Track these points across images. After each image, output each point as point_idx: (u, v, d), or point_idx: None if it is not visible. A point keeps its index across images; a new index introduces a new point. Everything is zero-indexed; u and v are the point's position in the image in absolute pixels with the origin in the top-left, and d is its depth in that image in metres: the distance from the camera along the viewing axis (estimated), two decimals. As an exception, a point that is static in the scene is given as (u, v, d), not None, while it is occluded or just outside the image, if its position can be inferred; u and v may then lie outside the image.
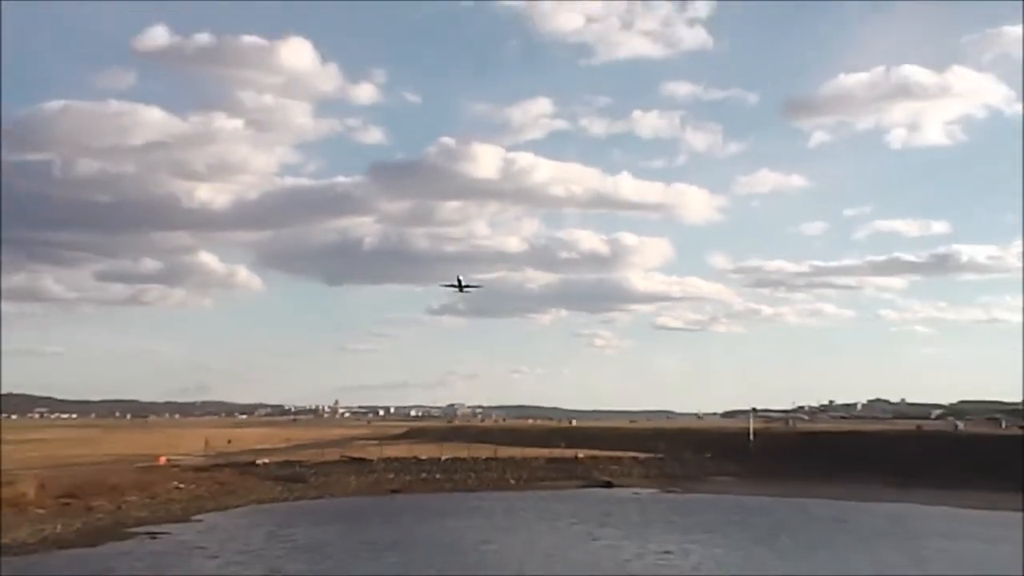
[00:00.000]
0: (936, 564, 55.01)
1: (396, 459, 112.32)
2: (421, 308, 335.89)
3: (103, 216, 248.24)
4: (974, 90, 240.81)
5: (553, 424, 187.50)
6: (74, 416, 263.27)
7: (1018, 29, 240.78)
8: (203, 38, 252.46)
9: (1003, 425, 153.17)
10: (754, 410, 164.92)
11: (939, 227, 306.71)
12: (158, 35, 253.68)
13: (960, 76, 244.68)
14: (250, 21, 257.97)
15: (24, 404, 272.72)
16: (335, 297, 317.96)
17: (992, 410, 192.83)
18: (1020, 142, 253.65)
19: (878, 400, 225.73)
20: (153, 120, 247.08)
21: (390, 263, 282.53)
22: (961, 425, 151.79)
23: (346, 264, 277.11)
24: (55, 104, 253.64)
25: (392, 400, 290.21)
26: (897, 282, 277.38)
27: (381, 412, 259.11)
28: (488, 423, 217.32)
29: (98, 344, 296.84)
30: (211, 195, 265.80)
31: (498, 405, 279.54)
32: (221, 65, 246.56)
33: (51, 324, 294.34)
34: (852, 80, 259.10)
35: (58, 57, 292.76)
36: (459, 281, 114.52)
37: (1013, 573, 52.49)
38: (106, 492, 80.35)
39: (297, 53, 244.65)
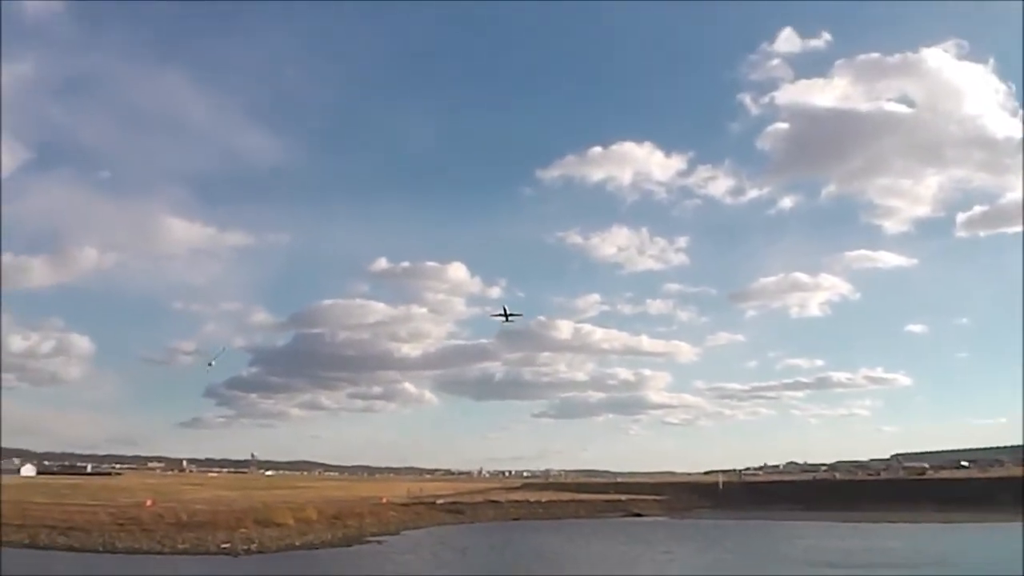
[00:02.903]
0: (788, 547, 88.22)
1: (516, 500, 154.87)
2: (527, 413, 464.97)
3: (352, 363, 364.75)
4: (832, 286, 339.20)
5: (606, 479, 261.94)
6: (335, 474, 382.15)
7: (867, 254, 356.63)
8: (405, 265, 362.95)
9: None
10: (721, 471, 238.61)
11: (819, 362, 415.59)
12: (380, 263, 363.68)
13: (825, 279, 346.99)
14: (431, 252, 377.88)
15: (308, 467, 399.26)
16: (480, 407, 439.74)
17: (855, 466, 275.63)
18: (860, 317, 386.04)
19: (791, 462, 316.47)
20: (378, 310, 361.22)
21: (511, 388, 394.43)
22: (838, 475, 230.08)
23: (486, 388, 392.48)
24: (327, 301, 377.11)
25: (513, 466, 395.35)
26: (799, 394, 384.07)
27: (507, 474, 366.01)
28: (569, 480, 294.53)
29: (349, 433, 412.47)
30: (409, 350, 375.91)
31: (574, 469, 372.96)
32: (415, 278, 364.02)
33: (324, 422, 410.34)
34: (766, 281, 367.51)
35: (329, 274, 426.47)
36: (504, 311, 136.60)
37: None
38: (354, 516, 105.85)
39: (456, 271, 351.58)
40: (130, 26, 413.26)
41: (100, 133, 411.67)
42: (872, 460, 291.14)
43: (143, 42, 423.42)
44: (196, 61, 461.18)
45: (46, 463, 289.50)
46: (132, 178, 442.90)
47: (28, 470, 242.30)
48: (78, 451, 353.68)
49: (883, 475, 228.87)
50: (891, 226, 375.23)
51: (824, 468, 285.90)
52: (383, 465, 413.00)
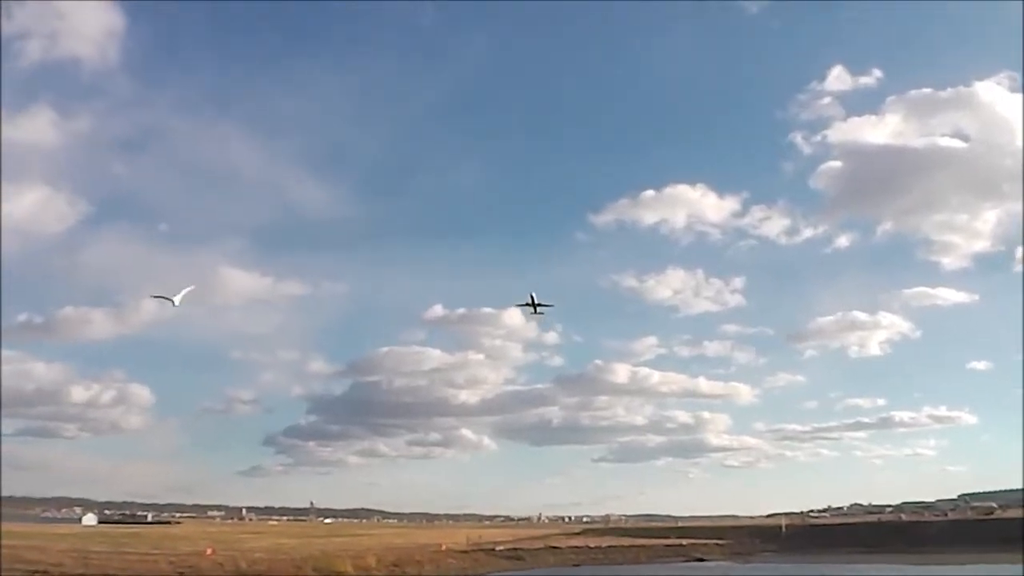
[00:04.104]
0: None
1: (576, 546, 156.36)
2: (586, 458, 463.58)
3: (409, 410, 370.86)
4: (892, 324, 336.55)
5: (667, 524, 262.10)
6: (394, 521, 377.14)
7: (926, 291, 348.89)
8: (461, 311, 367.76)
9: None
10: (783, 515, 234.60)
11: (881, 402, 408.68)
12: (436, 310, 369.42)
13: (884, 317, 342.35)
14: (486, 298, 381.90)
15: (367, 515, 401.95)
16: (538, 453, 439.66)
17: (921, 507, 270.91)
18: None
19: (855, 504, 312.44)
20: (434, 357, 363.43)
21: (569, 433, 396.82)
22: (904, 516, 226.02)
23: (544, 434, 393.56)
24: (383, 349, 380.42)
25: (572, 512, 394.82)
26: (861, 434, 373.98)
27: (566, 519, 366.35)
28: (629, 524, 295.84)
29: (407, 480, 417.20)
30: (467, 397, 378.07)
31: (634, 514, 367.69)
32: (471, 324, 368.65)
33: (382, 469, 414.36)
34: (824, 320, 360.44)
35: (385, 322, 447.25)
36: (532, 299, 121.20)
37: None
38: (413, 563, 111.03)
39: (512, 317, 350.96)
40: (184, 81, 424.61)
41: (158, 186, 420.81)
42: (939, 500, 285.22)
43: (197, 97, 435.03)
44: (249, 114, 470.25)
45: (107, 512, 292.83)
46: (190, 230, 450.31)
47: (89, 519, 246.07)
48: (138, 500, 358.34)
49: (950, 516, 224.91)
50: (949, 262, 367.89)
51: (889, 509, 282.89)
52: (442, 512, 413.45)
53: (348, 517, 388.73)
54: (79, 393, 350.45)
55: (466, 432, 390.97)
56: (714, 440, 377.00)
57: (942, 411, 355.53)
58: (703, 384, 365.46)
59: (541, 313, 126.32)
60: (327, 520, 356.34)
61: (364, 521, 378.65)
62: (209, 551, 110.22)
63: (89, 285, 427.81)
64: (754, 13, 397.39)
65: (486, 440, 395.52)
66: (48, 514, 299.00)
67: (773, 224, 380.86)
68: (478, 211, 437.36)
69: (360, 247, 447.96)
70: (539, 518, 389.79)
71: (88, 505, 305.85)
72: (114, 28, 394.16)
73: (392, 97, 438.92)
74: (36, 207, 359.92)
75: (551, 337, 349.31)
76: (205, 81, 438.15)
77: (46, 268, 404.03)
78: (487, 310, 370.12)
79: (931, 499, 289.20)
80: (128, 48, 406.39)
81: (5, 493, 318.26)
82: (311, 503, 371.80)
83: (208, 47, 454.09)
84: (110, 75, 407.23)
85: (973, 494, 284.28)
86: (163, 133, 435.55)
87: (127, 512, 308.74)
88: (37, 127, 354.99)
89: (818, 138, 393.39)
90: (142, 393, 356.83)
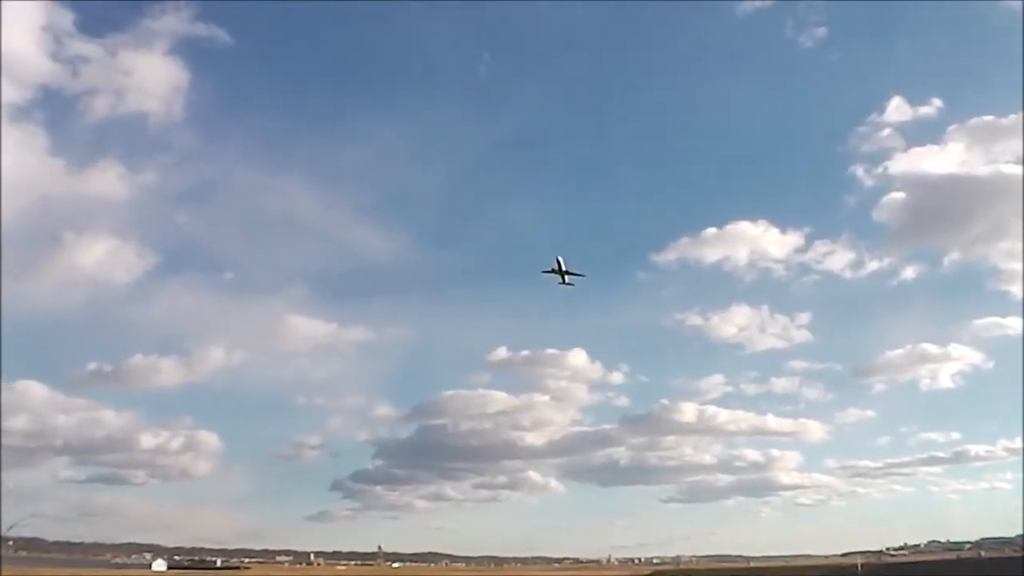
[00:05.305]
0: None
1: None
2: (654, 498, 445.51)
3: (475, 453, 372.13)
4: (963, 356, 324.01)
5: (739, 564, 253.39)
6: (462, 564, 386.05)
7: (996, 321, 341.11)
8: (525, 353, 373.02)
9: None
10: (859, 553, 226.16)
11: (955, 435, 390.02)
12: (500, 352, 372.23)
13: (955, 349, 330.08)
14: (550, 340, 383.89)
15: (435, 558, 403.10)
16: (606, 494, 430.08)
17: (1001, 542, 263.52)
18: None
19: (933, 540, 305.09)
20: (499, 399, 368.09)
21: (636, 473, 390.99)
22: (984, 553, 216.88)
23: (611, 475, 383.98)
24: (448, 392, 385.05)
25: (641, 553, 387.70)
26: (936, 468, 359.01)
27: (636, 561, 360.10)
28: (700, 565, 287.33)
29: (475, 523, 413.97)
30: (533, 439, 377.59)
31: (705, 554, 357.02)
32: (536, 366, 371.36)
33: (449, 512, 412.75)
34: (893, 354, 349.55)
35: (450, 365, 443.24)
36: (559, 264, 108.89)
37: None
38: None
39: (577, 358, 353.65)
40: (245, 134, 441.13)
41: (223, 237, 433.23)
42: (1019, 535, 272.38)
43: (259, 148, 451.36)
44: (309, 164, 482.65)
45: (176, 558, 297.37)
46: (255, 278, 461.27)
47: (159, 565, 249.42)
48: (207, 545, 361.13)
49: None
50: (1019, 291, 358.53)
51: (968, 546, 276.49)
52: (510, 555, 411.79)
53: (416, 561, 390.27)
54: (148, 440, 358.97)
55: (533, 474, 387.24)
56: (784, 478, 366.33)
57: (1018, 443, 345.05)
58: (772, 421, 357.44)
59: (571, 284, 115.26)
60: (395, 564, 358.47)
61: (432, 565, 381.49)
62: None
63: (157, 333, 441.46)
64: (810, 48, 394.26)
65: (553, 482, 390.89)
66: (119, 560, 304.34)
67: (837, 258, 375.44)
68: (539, 253, 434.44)
69: (422, 291, 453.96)
70: (608, 560, 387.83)
71: (158, 551, 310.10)
72: (179, 83, 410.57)
73: (450, 144, 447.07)
74: (105, 258, 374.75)
75: (616, 377, 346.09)
76: (266, 133, 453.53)
77: (115, 317, 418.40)
78: (551, 351, 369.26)
79: (1011, 534, 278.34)
80: (192, 102, 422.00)
81: (76, 539, 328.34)
82: (379, 547, 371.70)
83: (269, 100, 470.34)
84: (175, 129, 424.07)
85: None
86: (226, 184, 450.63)
87: (196, 557, 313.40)
88: (106, 181, 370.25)
89: (879, 170, 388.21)
90: (210, 439, 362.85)
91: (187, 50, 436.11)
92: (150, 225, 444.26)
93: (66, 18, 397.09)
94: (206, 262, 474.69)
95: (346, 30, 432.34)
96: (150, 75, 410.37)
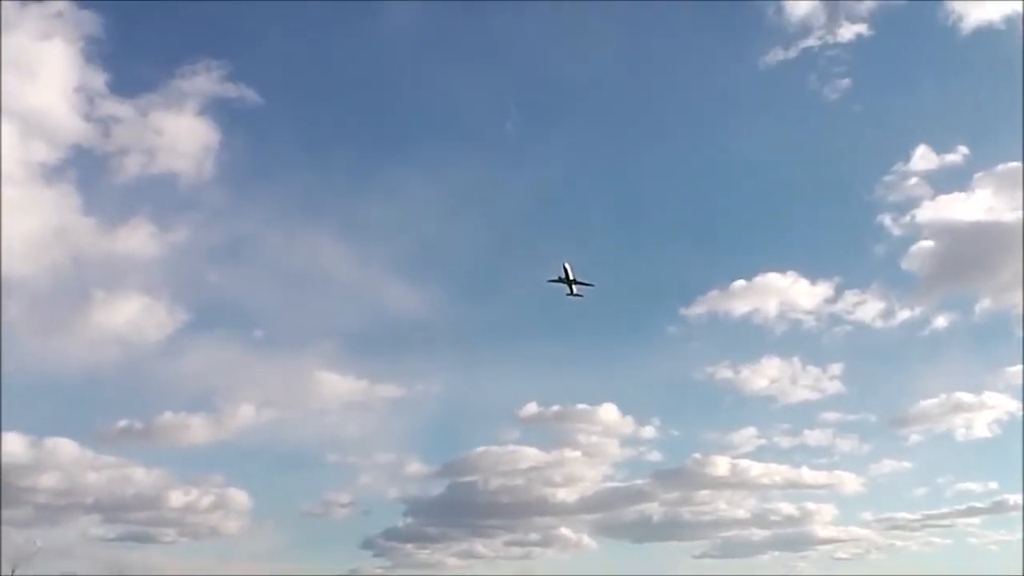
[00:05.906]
0: None
1: None
2: (688, 555, 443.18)
3: (506, 510, 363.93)
4: (998, 404, 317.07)
5: None
6: None
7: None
8: (556, 408, 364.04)
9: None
10: None
11: (993, 485, 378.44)
12: (530, 408, 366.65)
13: (990, 397, 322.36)
14: (581, 395, 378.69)
15: None
16: (639, 550, 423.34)
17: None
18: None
19: None
20: (531, 455, 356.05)
21: (669, 529, 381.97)
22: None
23: (644, 531, 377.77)
24: (479, 449, 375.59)
25: None
26: (975, 520, 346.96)
27: None
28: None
29: None
30: (565, 495, 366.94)
31: None
32: (566, 421, 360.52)
33: (481, 570, 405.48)
34: (927, 403, 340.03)
35: (480, 421, 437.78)
36: (566, 271, 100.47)
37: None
38: None
39: (608, 412, 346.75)
40: (276, 191, 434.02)
41: (253, 294, 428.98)
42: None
43: (289, 205, 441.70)
44: (340, 220, 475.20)
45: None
46: (284, 335, 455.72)
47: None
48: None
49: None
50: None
51: None
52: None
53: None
54: (178, 497, 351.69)
55: (565, 531, 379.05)
56: (821, 532, 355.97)
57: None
58: (806, 474, 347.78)
59: (579, 295, 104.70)
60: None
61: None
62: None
63: (187, 391, 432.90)
64: (834, 99, 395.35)
65: (586, 538, 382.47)
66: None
67: (868, 308, 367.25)
68: (567, 308, 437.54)
69: (453, 347, 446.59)
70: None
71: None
72: (209, 143, 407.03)
73: (480, 199, 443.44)
74: (136, 316, 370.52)
75: (648, 432, 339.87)
76: (296, 190, 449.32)
77: (146, 375, 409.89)
78: (582, 406, 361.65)
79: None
80: (222, 161, 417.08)
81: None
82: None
83: (298, 157, 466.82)
84: (205, 187, 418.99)
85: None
86: (257, 241, 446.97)
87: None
88: (137, 239, 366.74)
89: (907, 219, 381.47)
90: (240, 497, 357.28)
91: (217, 110, 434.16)
92: (181, 283, 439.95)
93: (99, 79, 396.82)
94: (236, 319, 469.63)
95: (373, 88, 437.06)
96: (181, 135, 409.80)
